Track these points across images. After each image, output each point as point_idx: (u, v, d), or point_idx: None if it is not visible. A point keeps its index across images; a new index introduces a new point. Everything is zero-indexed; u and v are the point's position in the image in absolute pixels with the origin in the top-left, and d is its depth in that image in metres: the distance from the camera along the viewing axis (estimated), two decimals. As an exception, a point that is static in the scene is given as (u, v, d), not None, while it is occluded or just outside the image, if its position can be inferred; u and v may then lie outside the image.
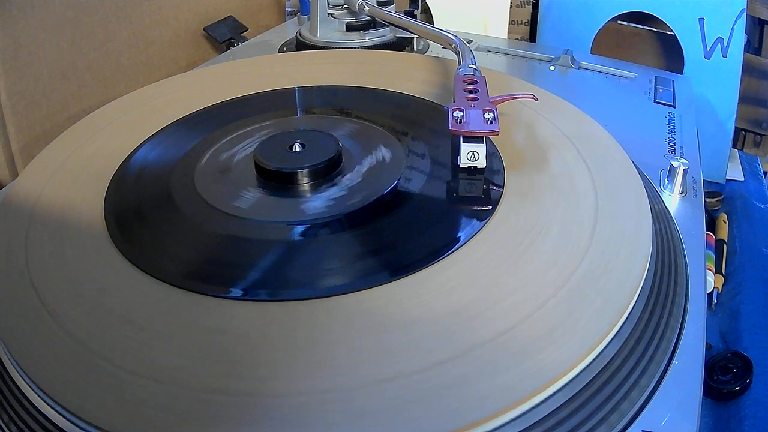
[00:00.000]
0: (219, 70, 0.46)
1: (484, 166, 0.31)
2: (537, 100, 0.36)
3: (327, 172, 0.32)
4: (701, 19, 0.54)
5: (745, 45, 0.54)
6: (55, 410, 0.22)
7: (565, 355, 0.22)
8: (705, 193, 0.38)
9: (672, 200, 0.35)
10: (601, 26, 0.59)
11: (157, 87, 0.43)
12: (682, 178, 0.35)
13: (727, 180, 0.57)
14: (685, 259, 0.30)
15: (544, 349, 0.22)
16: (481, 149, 0.30)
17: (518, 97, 0.36)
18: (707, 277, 0.35)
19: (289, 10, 0.74)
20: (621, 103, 0.47)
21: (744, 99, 0.57)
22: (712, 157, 0.56)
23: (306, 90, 0.42)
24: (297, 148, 0.33)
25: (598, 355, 0.23)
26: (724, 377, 0.35)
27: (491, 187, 0.31)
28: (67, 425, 0.22)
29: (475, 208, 0.30)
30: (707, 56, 0.55)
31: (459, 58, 0.39)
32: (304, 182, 0.31)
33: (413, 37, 0.54)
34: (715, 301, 0.42)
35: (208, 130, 0.37)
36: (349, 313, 0.24)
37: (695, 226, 0.33)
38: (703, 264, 0.31)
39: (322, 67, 0.45)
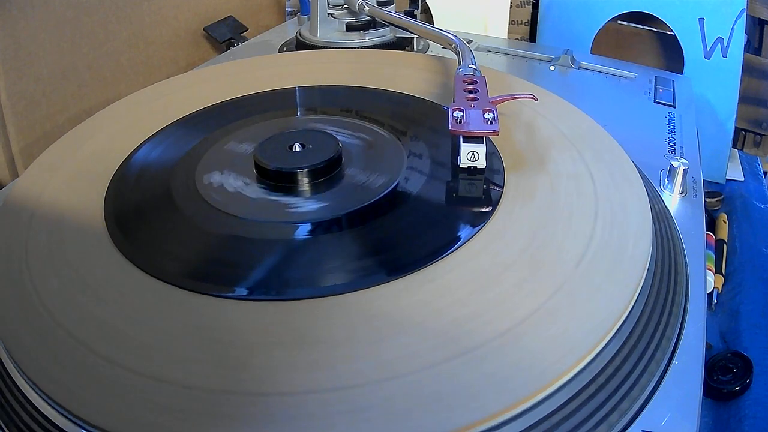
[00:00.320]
0: (219, 70, 0.46)
1: (484, 166, 0.31)
2: (537, 100, 0.36)
3: (327, 172, 0.32)
4: (701, 19, 0.54)
5: (745, 45, 0.54)
6: (55, 410, 0.22)
7: (565, 355, 0.22)
8: (705, 193, 0.38)
9: (672, 200, 0.35)
10: (601, 26, 0.59)
11: (157, 87, 0.43)
12: (682, 178, 0.35)
13: (727, 180, 0.56)
14: (685, 259, 0.30)
15: (544, 348, 0.22)
16: (481, 149, 0.30)
17: (518, 97, 0.36)
18: (707, 277, 0.35)
19: (289, 10, 0.74)
20: (621, 103, 0.47)
21: (744, 99, 0.57)
22: (712, 157, 0.56)
23: (306, 90, 0.42)
24: (297, 148, 0.33)
25: (598, 355, 0.23)
26: (724, 377, 0.35)
27: (491, 187, 0.31)
28: (67, 425, 0.22)
29: (474, 208, 0.30)
30: (707, 56, 0.55)
31: (459, 58, 0.39)
32: (304, 182, 0.31)
33: (413, 37, 0.54)
34: (715, 301, 0.42)
35: (208, 130, 0.37)
36: (348, 312, 0.24)
37: (695, 226, 0.33)
38: (703, 264, 0.31)
39: (322, 67, 0.45)
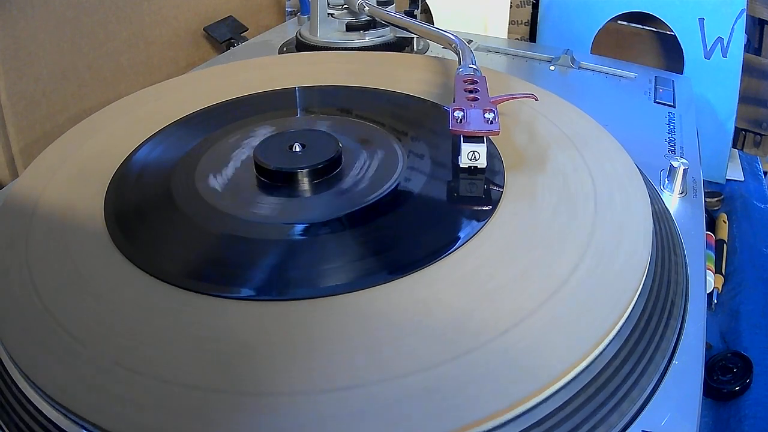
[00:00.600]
0: (219, 70, 0.46)
1: (484, 166, 0.31)
2: (537, 99, 0.36)
3: (327, 172, 0.32)
4: (701, 19, 0.54)
5: (745, 45, 0.54)
6: (56, 410, 0.22)
7: (565, 355, 0.22)
8: (705, 193, 0.38)
9: (672, 200, 0.35)
10: (601, 26, 0.59)
11: (157, 88, 0.43)
12: (682, 178, 0.35)
13: (727, 180, 0.56)
14: (685, 259, 0.30)
15: (544, 349, 0.22)
16: (481, 149, 0.30)
17: (518, 97, 0.36)
18: (707, 277, 0.35)
19: (289, 10, 0.74)
20: (621, 103, 0.47)
21: (744, 99, 0.57)
22: (712, 157, 0.56)
23: (306, 90, 0.42)
24: (297, 148, 0.33)
25: (598, 355, 0.23)
26: (724, 377, 0.35)
27: (491, 187, 0.31)
28: (67, 425, 0.22)
29: (475, 208, 0.30)
30: (707, 56, 0.55)
31: (459, 58, 0.39)
32: (304, 182, 0.31)
33: (413, 37, 0.54)
34: (715, 301, 0.42)
35: (208, 130, 0.37)
36: (347, 312, 0.24)
37: (695, 226, 0.33)
38: (703, 264, 0.31)
39: (322, 67, 0.45)
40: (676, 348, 0.25)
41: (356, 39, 0.52)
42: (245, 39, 0.63)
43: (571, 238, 0.27)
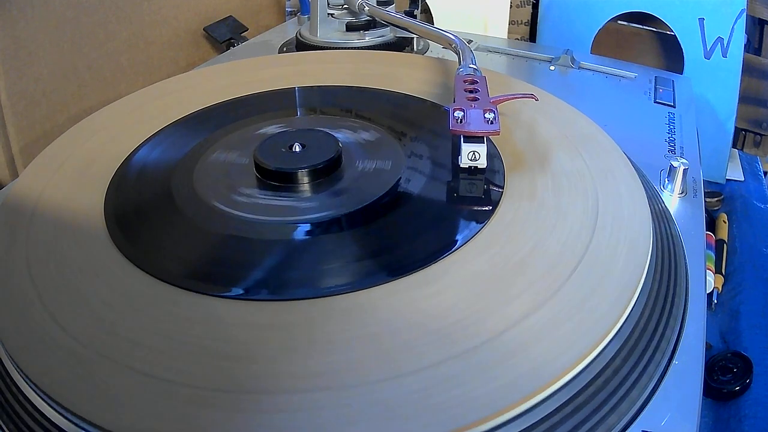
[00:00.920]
0: (219, 70, 0.46)
1: (484, 166, 0.31)
2: (537, 100, 0.36)
3: (327, 172, 0.32)
4: (701, 19, 0.54)
5: (745, 45, 0.54)
6: (55, 410, 0.22)
7: (564, 355, 0.22)
8: (705, 193, 0.38)
9: (672, 200, 0.35)
10: (601, 26, 0.59)
11: (157, 87, 0.43)
12: (682, 178, 0.35)
13: (727, 180, 0.56)
14: (685, 259, 0.30)
15: (544, 349, 0.22)
16: (481, 149, 0.30)
17: (518, 97, 0.36)
18: (707, 277, 0.35)
19: (289, 10, 0.74)
20: (621, 103, 0.47)
21: (744, 99, 0.57)
22: (712, 157, 0.56)
23: (306, 90, 0.42)
24: (297, 148, 0.33)
25: (598, 355, 0.23)
26: (724, 377, 0.35)
27: (491, 187, 0.31)
28: (67, 425, 0.22)
29: (475, 208, 0.30)
30: (707, 56, 0.55)
31: (459, 58, 0.39)
32: (304, 182, 0.31)
33: (413, 37, 0.54)
34: (715, 301, 0.42)
35: (208, 130, 0.37)
36: (347, 312, 0.24)
37: (695, 226, 0.33)
38: (703, 264, 0.31)
39: (322, 67, 0.45)
40: (676, 348, 0.25)
41: (356, 39, 0.52)
42: (245, 39, 0.63)
43: (571, 239, 0.27)
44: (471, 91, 0.33)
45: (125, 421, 0.20)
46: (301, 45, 0.54)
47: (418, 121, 0.38)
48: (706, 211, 0.46)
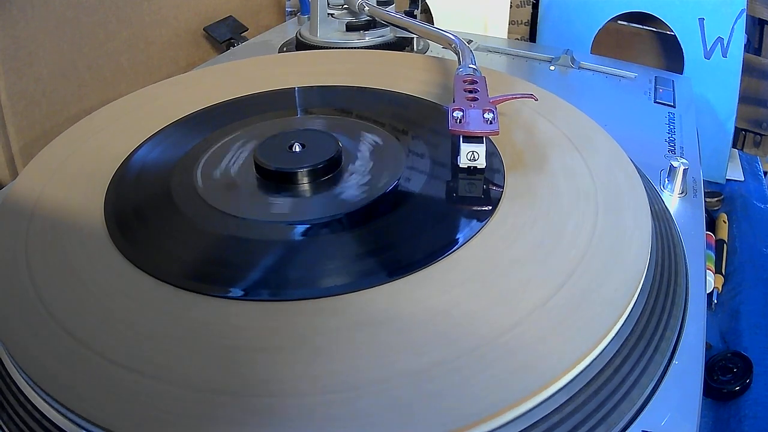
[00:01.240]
0: (219, 70, 0.46)
1: (483, 166, 0.31)
2: (537, 100, 0.36)
3: (327, 172, 0.32)
4: (701, 19, 0.54)
5: (745, 45, 0.54)
6: (55, 410, 0.22)
7: (565, 355, 0.22)
8: (705, 193, 0.38)
9: (672, 200, 0.35)
10: (601, 26, 0.59)
11: (157, 87, 0.43)
12: (682, 178, 0.35)
13: (727, 180, 0.56)
14: (685, 259, 0.30)
15: (544, 349, 0.22)
16: (480, 149, 0.30)
17: (518, 97, 0.36)
18: (707, 277, 0.35)
19: (289, 10, 0.74)
20: (621, 103, 0.47)
21: (744, 99, 0.57)
22: (712, 157, 0.56)
23: (306, 90, 0.42)
24: (297, 148, 0.33)
25: (598, 355, 0.23)
26: (724, 377, 0.35)
27: (491, 187, 0.31)
28: (67, 425, 0.22)
29: (474, 208, 0.30)
30: (707, 56, 0.55)
31: (459, 58, 0.39)
32: (304, 182, 0.31)
33: (413, 37, 0.54)
34: (715, 301, 0.42)
35: (208, 130, 0.37)
36: (348, 312, 0.24)
37: (695, 226, 0.33)
38: (703, 264, 0.31)
39: (322, 67, 0.45)
40: (676, 348, 0.25)
41: (356, 39, 0.52)
42: (245, 39, 0.63)
43: (570, 238, 0.27)
44: (470, 91, 0.33)
45: (125, 421, 0.20)
46: (301, 45, 0.54)
47: (417, 121, 0.38)
48: (706, 211, 0.46)
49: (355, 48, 0.52)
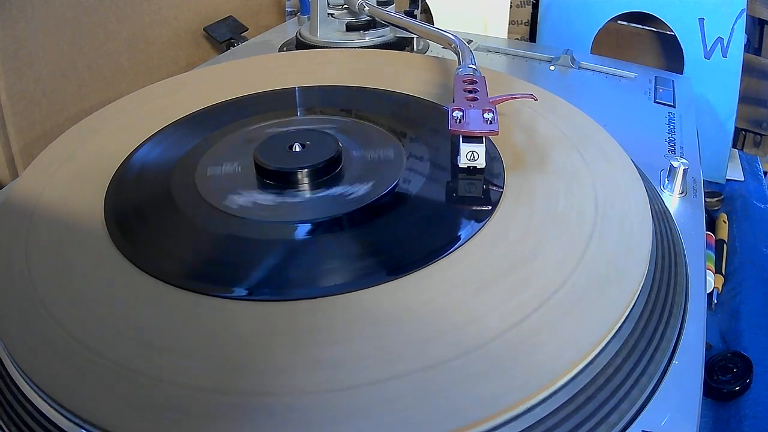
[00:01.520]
0: (219, 70, 0.46)
1: (483, 166, 0.31)
2: (537, 100, 0.36)
3: (327, 172, 0.32)
4: (701, 19, 0.54)
5: (745, 45, 0.54)
6: (55, 410, 0.22)
7: (565, 355, 0.22)
8: (705, 193, 0.38)
9: (672, 200, 0.35)
10: (601, 26, 0.59)
11: (157, 87, 0.43)
12: (682, 178, 0.35)
13: (727, 180, 0.56)
14: (685, 259, 0.30)
15: (544, 349, 0.22)
16: (480, 149, 0.30)
17: (518, 97, 0.36)
18: (707, 277, 0.35)
19: (289, 10, 0.74)
20: (621, 103, 0.47)
21: (744, 99, 0.57)
22: (712, 157, 0.56)
23: (306, 90, 0.42)
24: (297, 148, 0.33)
25: (598, 355, 0.23)
26: (724, 377, 0.35)
27: (491, 187, 0.31)
28: (67, 425, 0.22)
29: (474, 208, 0.30)
30: (707, 56, 0.55)
31: (459, 58, 0.39)
32: (304, 182, 0.31)
33: (413, 37, 0.54)
34: (715, 301, 0.42)
35: (208, 130, 0.37)
36: (348, 312, 0.24)
37: (695, 226, 0.33)
38: (703, 264, 0.31)
39: (322, 67, 0.45)
40: (676, 348, 0.25)
41: (356, 39, 0.52)
42: (245, 39, 0.63)
43: (570, 239, 0.27)
44: (470, 91, 0.33)
45: (125, 421, 0.20)
46: (301, 45, 0.54)
47: (417, 121, 0.38)
48: (706, 211, 0.46)
49: (355, 48, 0.52)
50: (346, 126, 0.37)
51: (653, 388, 0.23)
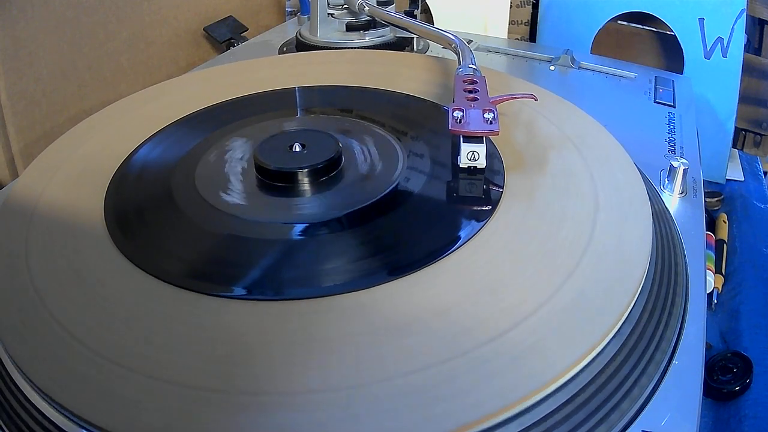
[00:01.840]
0: (219, 70, 0.46)
1: (484, 166, 0.31)
2: (537, 100, 0.36)
3: (327, 172, 0.32)
4: (701, 19, 0.54)
5: (745, 45, 0.54)
6: (55, 410, 0.22)
7: (565, 355, 0.22)
8: (705, 193, 0.38)
9: (672, 200, 0.35)
10: (601, 26, 0.59)
11: (157, 88, 0.43)
12: (682, 178, 0.35)
13: (727, 180, 0.56)
14: (685, 259, 0.30)
15: (544, 348, 0.22)
16: (481, 149, 0.30)
17: (518, 97, 0.36)
18: (707, 277, 0.35)
19: (289, 10, 0.74)
20: (621, 103, 0.47)
21: (744, 99, 0.57)
22: (712, 157, 0.56)
23: (306, 90, 0.42)
24: (297, 148, 0.33)
25: (598, 355, 0.23)
26: (724, 377, 0.35)
27: (491, 187, 0.31)
28: (67, 425, 0.22)
29: (474, 208, 0.30)
30: (707, 56, 0.55)
31: (459, 58, 0.39)
32: (304, 182, 0.31)
33: (413, 37, 0.54)
34: (715, 301, 0.42)
35: (208, 130, 0.37)
36: (347, 312, 0.24)
37: (695, 226, 0.33)
38: (703, 264, 0.31)
39: (322, 67, 0.45)
40: (676, 348, 0.25)
41: (356, 39, 0.52)
42: (245, 39, 0.63)
43: (570, 239, 0.27)
44: (470, 91, 0.33)
45: (125, 421, 0.20)
46: (301, 45, 0.54)
47: (418, 121, 0.38)
48: (706, 211, 0.46)
49: (355, 48, 0.52)
50: (346, 126, 0.37)
51: (653, 388, 0.23)
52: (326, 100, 0.41)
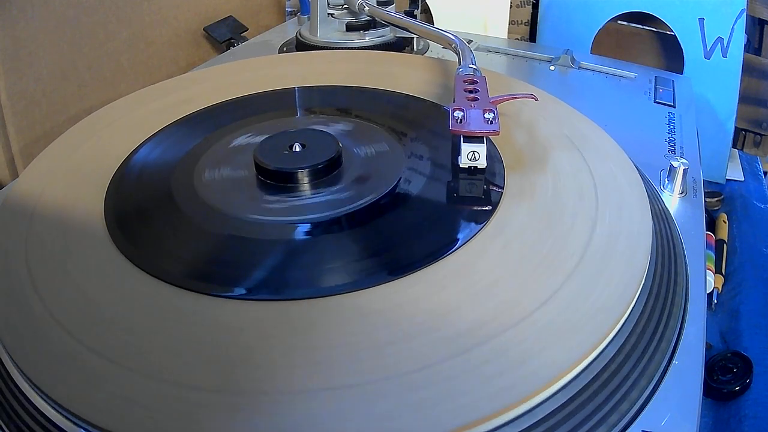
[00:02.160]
0: (219, 70, 0.46)
1: (484, 166, 0.31)
2: (537, 100, 0.36)
3: (327, 172, 0.32)
4: (701, 19, 0.54)
5: (745, 45, 0.54)
6: (55, 410, 0.22)
7: (565, 355, 0.22)
8: (705, 193, 0.38)
9: (672, 200, 0.35)
10: (601, 26, 0.59)
11: (157, 88, 0.43)
12: (682, 178, 0.35)
13: (727, 180, 0.57)
14: (685, 259, 0.30)
15: (544, 349, 0.22)
16: (481, 149, 0.30)
17: (518, 97, 0.36)
18: (707, 277, 0.35)
19: (289, 10, 0.74)
20: (621, 103, 0.47)
21: (744, 99, 0.57)
22: (712, 157, 0.56)
23: (306, 90, 0.42)
24: (297, 148, 0.33)
25: (598, 355, 0.23)
26: (724, 377, 0.35)
27: (491, 187, 0.31)
28: (67, 425, 0.22)
29: (475, 208, 0.30)
30: (707, 56, 0.55)
31: (459, 58, 0.39)
32: (304, 182, 0.31)
33: (413, 37, 0.54)
34: (715, 301, 0.42)
35: (208, 130, 0.37)
36: (347, 312, 0.24)
37: (695, 226, 0.33)
38: (703, 264, 0.31)
39: (322, 67, 0.45)
40: (676, 348, 0.25)
41: (356, 39, 0.52)
42: (245, 39, 0.63)
43: (570, 239, 0.27)
44: (471, 91, 0.33)
45: (125, 421, 0.20)
46: (301, 45, 0.54)
47: (418, 121, 0.38)
48: (706, 211, 0.46)
49: (355, 48, 0.52)
50: (346, 126, 0.37)
51: (653, 388, 0.23)
52: (326, 100, 0.41)
